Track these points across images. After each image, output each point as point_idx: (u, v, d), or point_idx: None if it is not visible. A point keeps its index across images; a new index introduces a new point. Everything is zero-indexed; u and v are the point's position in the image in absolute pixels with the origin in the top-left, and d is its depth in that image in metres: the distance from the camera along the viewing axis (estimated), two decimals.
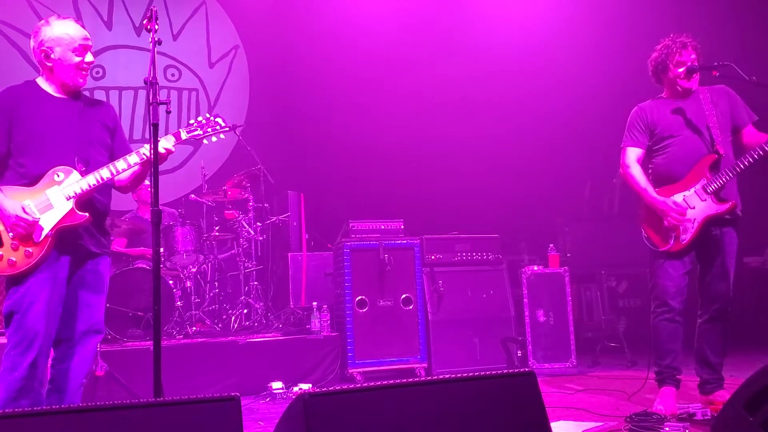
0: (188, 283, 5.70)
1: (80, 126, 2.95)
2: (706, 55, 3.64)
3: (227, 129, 3.08)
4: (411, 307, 5.29)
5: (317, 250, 6.24)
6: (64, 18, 3.00)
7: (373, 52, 7.41)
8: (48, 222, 2.79)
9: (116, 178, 2.96)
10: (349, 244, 5.25)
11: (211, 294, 5.94)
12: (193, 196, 6.34)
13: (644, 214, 3.69)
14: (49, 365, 2.88)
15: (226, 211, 6.08)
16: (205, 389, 4.56)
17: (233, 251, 6.21)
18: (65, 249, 2.85)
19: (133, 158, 2.88)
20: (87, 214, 2.85)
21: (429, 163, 7.34)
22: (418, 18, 7.58)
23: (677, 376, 3.62)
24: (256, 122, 7.40)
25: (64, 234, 2.83)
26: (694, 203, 3.54)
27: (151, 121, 2.51)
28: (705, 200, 3.53)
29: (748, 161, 3.43)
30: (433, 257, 5.49)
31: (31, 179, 2.84)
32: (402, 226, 5.56)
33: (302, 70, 7.54)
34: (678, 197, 3.56)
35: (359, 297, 5.19)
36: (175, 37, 7.57)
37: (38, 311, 2.73)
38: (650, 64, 3.73)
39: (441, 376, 1.85)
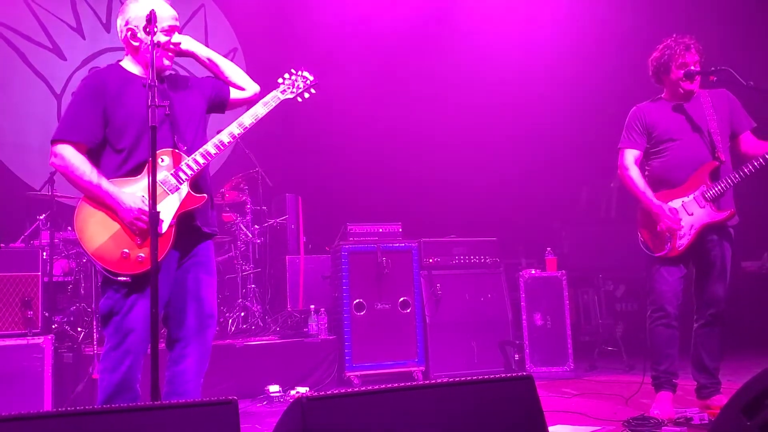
0: None
1: (172, 105, 2.71)
2: (706, 58, 3.60)
3: (316, 82, 3.05)
4: (409, 311, 5.29)
5: (315, 253, 6.24)
6: None
7: (372, 56, 7.43)
8: (167, 211, 2.58)
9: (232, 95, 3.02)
10: (346, 247, 5.25)
11: None
12: None
13: (642, 218, 3.65)
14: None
15: (224, 214, 6.06)
16: (202, 392, 4.54)
17: (231, 254, 6.19)
18: (180, 236, 2.64)
19: (235, 128, 2.90)
20: (204, 194, 2.67)
21: (427, 167, 7.34)
22: (418, 22, 7.59)
23: (674, 381, 3.61)
24: (254, 125, 7.38)
25: (182, 220, 2.64)
26: (692, 210, 3.52)
27: (150, 124, 2.48)
28: (704, 207, 3.51)
29: (750, 170, 3.39)
30: (430, 260, 5.49)
31: (133, 167, 2.62)
32: (400, 229, 5.56)
33: None
34: (677, 203, 3.54)
35: (357, 300, 5.19)
36: None
37: (139, 312, 2.55)
38: (651, 64, 3.66)
39: (438, 380, 1.85)
